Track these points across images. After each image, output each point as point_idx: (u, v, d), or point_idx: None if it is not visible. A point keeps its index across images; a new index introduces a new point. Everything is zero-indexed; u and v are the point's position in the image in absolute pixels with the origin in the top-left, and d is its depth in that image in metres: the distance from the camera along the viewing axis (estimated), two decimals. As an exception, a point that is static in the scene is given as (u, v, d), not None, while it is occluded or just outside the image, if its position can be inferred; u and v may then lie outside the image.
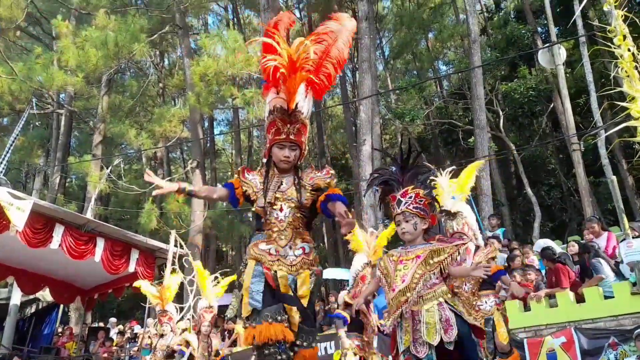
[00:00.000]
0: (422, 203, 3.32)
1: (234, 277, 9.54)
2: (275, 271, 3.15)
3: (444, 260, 3.22)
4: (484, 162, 6.18)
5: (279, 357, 3.01)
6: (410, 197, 3.32)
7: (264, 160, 3.50)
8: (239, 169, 3.52)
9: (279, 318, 3.06)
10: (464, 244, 3.33)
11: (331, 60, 3.31)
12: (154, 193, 3.45)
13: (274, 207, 3.26)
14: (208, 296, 8.53)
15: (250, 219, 20.25)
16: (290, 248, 3.23)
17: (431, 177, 3.60)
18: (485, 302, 5.28)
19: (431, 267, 3.22)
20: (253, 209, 3.38)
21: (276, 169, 3.38)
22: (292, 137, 3.30)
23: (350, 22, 3.46)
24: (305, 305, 3.18)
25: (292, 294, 3.15)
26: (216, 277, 9.01)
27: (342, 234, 3.48)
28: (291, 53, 3.12)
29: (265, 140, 3.45)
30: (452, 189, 5.25)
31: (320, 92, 3.40)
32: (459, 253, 3.24)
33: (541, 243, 9.13)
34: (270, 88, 3.33)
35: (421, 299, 3.17)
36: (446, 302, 3.18)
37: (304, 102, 3.31)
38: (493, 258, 5.38)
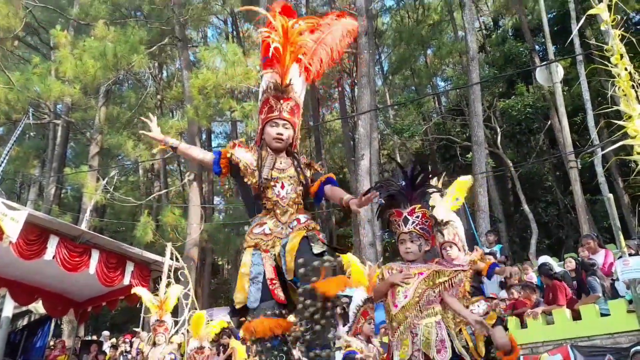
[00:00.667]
0: (427, 224, 3.30)
1: (223, 323, 9.48)
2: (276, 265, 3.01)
3: (443, 283, 3.22)
4: (472, 180, 6.09)
5: (275, 352, 2.96)
6: (418, 217, 3.28)
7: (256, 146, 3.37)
8: (232, 142, 3.38)
9: (269, 312, 2.96)
10: (463, 270, 3.29)
11: (325, 47, 3.28)
12: (143, 132, 3.35)
13: (274, 183, 3.14)
14: (201, 337, 8.45)
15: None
16: (285, 223, 3.12)
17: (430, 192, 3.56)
18: (478, 307, 5.16)
19: (432, 286, 3.23)
20: (247, 185, 3.18)
21: (269, 149, 3.26)
22: (285, 114, 3.21)
23: (349, 19, 3.47)
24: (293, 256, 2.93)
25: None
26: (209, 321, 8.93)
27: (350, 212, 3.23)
28: (286, 27, 3.10)
29: (258, 126, 3.34)
30: (445, 199, 5.19)
31: (314, 76, 3.35)
32: (459, 279, 3.22)
33: (542, 260, 9.07)
34: (267, 67, 3.27)
35: (420, 313, 3.17)
36: (442, 321, 3.18)
37: (297, 80, 3.24)
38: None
